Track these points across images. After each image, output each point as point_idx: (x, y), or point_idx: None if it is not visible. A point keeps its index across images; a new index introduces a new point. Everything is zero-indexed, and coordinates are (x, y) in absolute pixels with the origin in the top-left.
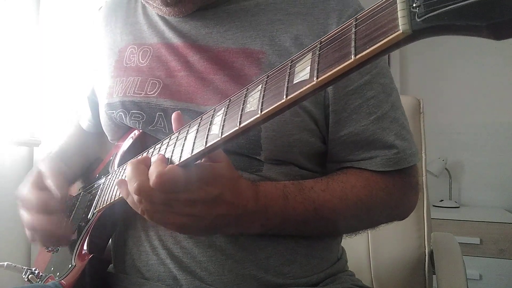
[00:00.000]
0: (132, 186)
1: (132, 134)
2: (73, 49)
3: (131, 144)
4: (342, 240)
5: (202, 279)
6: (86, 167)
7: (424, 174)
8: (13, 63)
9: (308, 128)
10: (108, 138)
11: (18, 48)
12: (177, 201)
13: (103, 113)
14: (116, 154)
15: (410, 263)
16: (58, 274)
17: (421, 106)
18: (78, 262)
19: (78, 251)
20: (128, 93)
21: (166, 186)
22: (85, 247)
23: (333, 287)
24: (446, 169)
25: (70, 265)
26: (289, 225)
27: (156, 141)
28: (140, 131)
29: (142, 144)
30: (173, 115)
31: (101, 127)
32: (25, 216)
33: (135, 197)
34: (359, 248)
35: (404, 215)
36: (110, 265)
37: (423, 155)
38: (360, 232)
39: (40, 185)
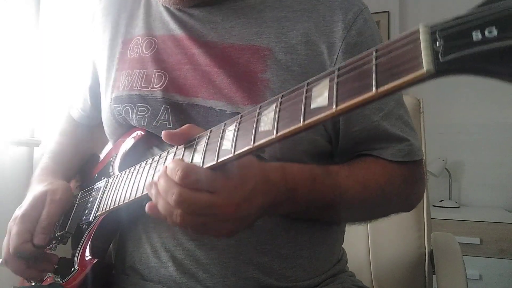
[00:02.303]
0: (171, 199)
1: (134, 134)
2: (73, 48)
3: (132, 145)
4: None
5: (203, 282)
6: (81, 164)
7: None
8: (13, 63)
9: None
10: (107, 134)
11: (18, 48)
12: (219, 207)
13: (107, 107)
14: (116, 155)
15: (410, 263)
16: (59, 275)
17: (421, 106)
18: (81, 267)
19: (80, 255)
20: (135, 87)
21: (190, 178)
22: (87, 251)
23: (333, 287)
24: (446, 169)
25: (72, 269)
26: (314, 209)
27: (159, 141)
28: (143, 133)
29: (144, 145)
30: (163, 135)
31: (95, 119)
32: (5, 246)
33: (177, 211)
34: (359, 248)
35: (411, 206)
36: None
37: None
38: (373, 220)
39: (27, 224)
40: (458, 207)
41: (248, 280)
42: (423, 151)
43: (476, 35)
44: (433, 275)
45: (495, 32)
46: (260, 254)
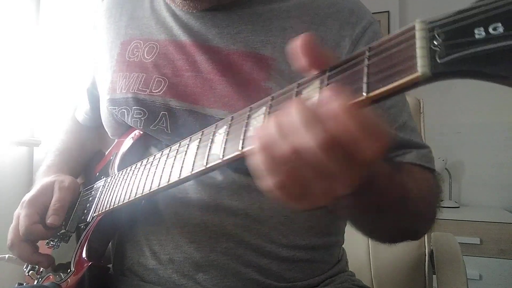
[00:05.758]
0: (311, 139)
1: (132, 134)
2: (73, 48)
3: (131, 145)
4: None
5: (203, 284)
6: (86, 162)
7: None
8: (13, 63)
9: None
10: (108, 134)
11: (18, 48)
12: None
13: (105, 108)
14: (116, 154)
15: (410, 263)
16: (57, 276)
17: (421, 106)
18: (77, 269)
19: (77, 256)
20: (132, 89)
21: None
22: (84, 253)
23: (333, 287)
24: (446, 169)
25: (69, 270)
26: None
27: (157, 141)
28: (141, 133)
29: (143, 145)
30: (300, 42)
31: (99, 121)
32: (11, 231)
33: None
34: (359, 248)
35: (420, 233)
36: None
37: None
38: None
39: (37, 208)
40: (458, 207)
41: (247, 281)
42: None
43: (479, 33)
44: (433, 275)
45: (500, 29)
46: (259, 257)
